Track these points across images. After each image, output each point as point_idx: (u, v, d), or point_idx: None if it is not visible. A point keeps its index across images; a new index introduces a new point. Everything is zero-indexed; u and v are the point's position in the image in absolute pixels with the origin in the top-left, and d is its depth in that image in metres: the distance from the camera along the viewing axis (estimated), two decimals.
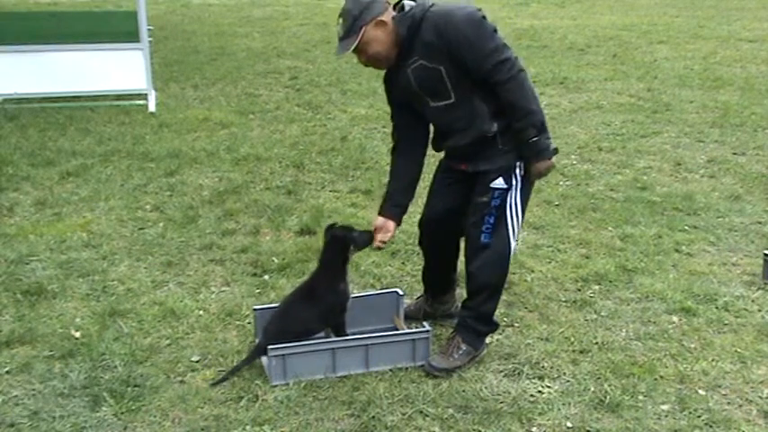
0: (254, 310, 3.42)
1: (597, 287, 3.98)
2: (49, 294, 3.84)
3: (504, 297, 3.41)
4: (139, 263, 4.23)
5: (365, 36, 2.99)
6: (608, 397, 3.04)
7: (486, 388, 3.11)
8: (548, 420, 2.92)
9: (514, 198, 3.13)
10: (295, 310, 3.24)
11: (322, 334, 3.30)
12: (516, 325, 3.60)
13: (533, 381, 3.17)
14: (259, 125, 7.16)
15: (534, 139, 3.03)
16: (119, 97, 7.75)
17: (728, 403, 3.04)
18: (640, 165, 5.98)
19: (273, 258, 4.27)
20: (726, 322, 3.64)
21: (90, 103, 7.63)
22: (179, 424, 2.89)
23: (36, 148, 6.23)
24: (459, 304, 3.48)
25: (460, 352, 3.25)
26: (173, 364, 3.26)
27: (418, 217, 3.48)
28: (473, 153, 3.14)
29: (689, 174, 5.80)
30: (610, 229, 4.75)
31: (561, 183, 5.55)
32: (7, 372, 3.20)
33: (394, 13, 3.07)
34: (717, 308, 3.76)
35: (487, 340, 3.36)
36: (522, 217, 3.20)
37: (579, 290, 3.95)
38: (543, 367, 3.26)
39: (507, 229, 3.15)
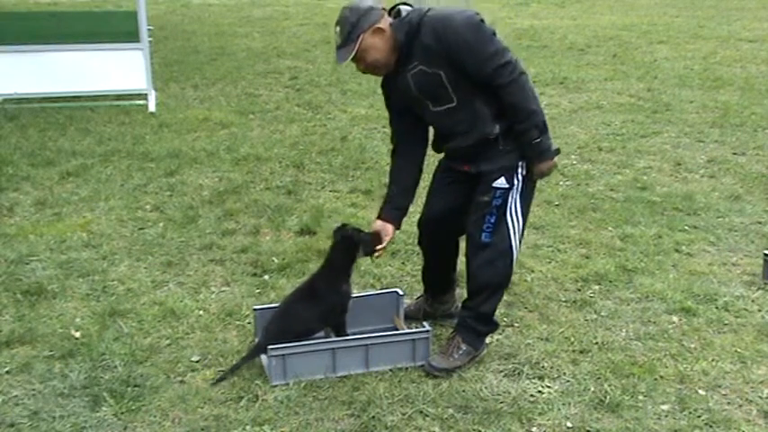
0: (254, 310, 3.42)
1: (597, 287, 3.98)
2: (49, 294, 3.84)
3: (504, 297, 3.41)
4: (139, 263, 4.24)
5: (363, 44, 2.98)
6: (608, 397, 3.04)
7: (486, 388, 3.11)
8: (548, 420, 2.92)
9: (516, 198, 3.13)
10: (296, 309, 3.25)
11: (322, 334, 3.30)
12: (516, 325, 3.60)
13: (533, 381, 3.17)
14: (259, 125, 7.16)
15: (537, 140, 3.03)
16: (119, 97, 7.74)
17: (728, 403, 3.04)
18: (640, 165, 5.98)
19: (273, 258, 4.28)
20: (726, 322, 3.64)
21: (90, 103, 7.63)
22: (179, 424, 2.89)
23: (36, 148, 6.22)
24: (459, 304, 3.48)
25: (460, 352, 3.25)
26: (173, 364, 3.26)
27: (418, 217, 3.48)
28: (475, 154, 3.13)
29: (689, 174, 5.80)
30: (610, 229, 4.75)
31: (561, 183, 5.55)
32: (7, 372, 3.20)
33: (391, 20, 3.05)
34: (717, 308, 3.76)
35: (487, 340, 3.36)
36: (525, 218, 3.19)
37: (579, 290, 3.95)
38: (543, 367, 3.26)
39: (508, 229, 3.14)
